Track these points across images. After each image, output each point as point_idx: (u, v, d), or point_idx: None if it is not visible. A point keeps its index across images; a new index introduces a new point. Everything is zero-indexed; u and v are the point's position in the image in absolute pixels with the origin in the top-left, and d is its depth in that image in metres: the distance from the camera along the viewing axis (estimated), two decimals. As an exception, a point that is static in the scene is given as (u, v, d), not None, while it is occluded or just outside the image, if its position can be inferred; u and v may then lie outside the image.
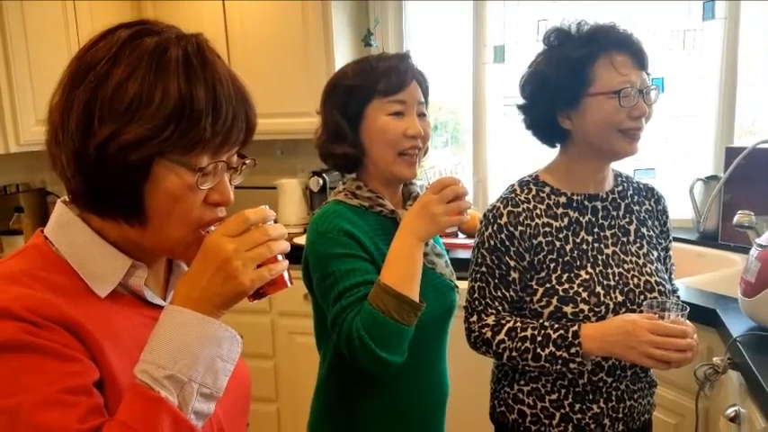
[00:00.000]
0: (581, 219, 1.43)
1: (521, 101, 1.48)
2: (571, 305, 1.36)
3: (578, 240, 1.41)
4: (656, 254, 1.47)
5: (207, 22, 2.95)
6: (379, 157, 1.36)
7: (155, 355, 0.72)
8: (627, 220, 1.47)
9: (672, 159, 2.76)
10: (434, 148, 3.04)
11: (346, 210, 1.35)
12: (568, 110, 1.38)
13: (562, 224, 1.42)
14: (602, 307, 1.36)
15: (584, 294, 1.36)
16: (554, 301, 1.37)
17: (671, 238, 1.55)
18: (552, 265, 1.39)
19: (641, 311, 1.32)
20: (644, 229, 1.47)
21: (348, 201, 1.37)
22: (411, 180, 1.43)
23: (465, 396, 1.82)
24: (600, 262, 1.40)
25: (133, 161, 0.73)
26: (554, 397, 1.41)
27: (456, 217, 1.30)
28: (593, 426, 1.40)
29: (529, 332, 1.35)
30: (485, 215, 1.45)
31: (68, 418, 0.67)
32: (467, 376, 1.85)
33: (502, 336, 1.38)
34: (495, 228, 1.41)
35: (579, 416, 1.40)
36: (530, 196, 1.43)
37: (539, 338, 1.34)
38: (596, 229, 1.44)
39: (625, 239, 1.45)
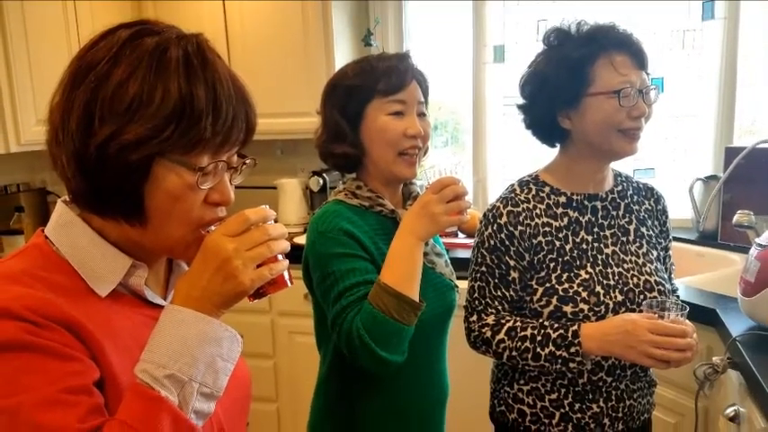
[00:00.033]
0: (581, 218, 1.43)
1: (520, 101, 1.48)
2: (571, 305, 1.36)
3: (578, 240, 1.41)
4: (655, 253, 1.47)
5: (207, 22, 2.95)
6: (379, 156, 1.36)
7: (155, 355, 0.72)
8: (626, 219, 1.47)
9: (671, 159, 2.76)
10: (434, 147, 3.04)
11: (346, 209, 1.35)
12: (568, 110, 1.38)
13: (562, 224, 1.42)
14: (602, 306, 1.36)
15: (584, 294, 1.36)
16: (554, 300, 1.37)
17: (670, 237, 1.55)
18: (552, 265, 1.39)
19: (641, 311, 1.32)
20: (644, 229, 1.48)
21: (348, 200, 1.38)
22: (411, 180, 1.43)
23: (465, 395, 1.82)
24: (600, 261, 1.41)
25: (133, 161, 0.74)
26: (554, 396, 1.41)
27: (456, 217, 1.30)
28: (592, 425, 1.40)
29: (529, 332, 1.36)
30: (485, 215, 1.45)
31: (69, 417, 0.67)
32: (467, 376, 1.86)
33: (502, 335, 1.38)
34: (494, 227, 1.41)
35: (579, 415, 1.40)
36: (529, 196, 1.44)
37: (538, 338, 1.34)
38: (596, 229, 1.44)
39: (625, 239, 1.45)
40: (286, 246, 0.79)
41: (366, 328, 1.21)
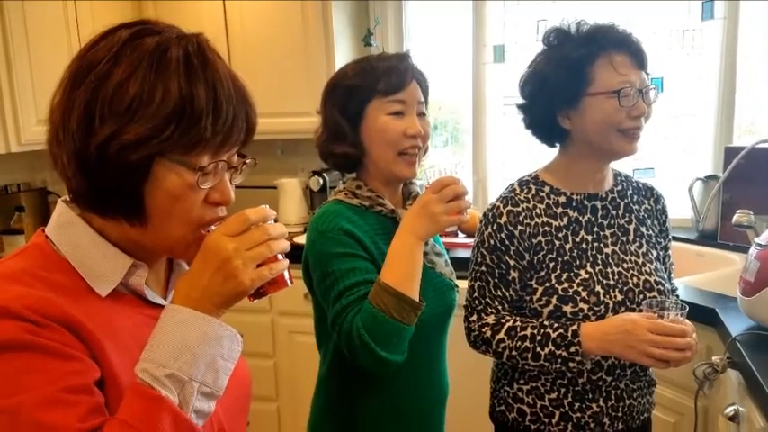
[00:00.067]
0: (580, 218, 1.44)
1: (520, 100, 1.48)
2: (570, 304, 1.36)
3: (578, 240, 1.42)
4: (655, 253, 1.48)
5: (207, 21, 2.96)
6: (379, 156, 1.36)
7: (155, 354, 0.72)
8: (626, 219, 1.47)
9: (671, 159, 2.76)
10: (434, 147, 3.04)
11: (346, 209, 1.35)
12: (568, 109, 1.38)
13: (562, 223, 1.42)
14: (602, 306, 1.36)
15: (584, 293, 1.36)
16: (553, 300, 1.37)
17: (670, 237, 1.55)
18: (552, 265, 1.39)
19: (640, 310, 1.33)
20: (643, 229, 1.48)
21: (348, 200, 1.38)
22: (411, 179, 1.43)
23: (465, 395, 1.82)
24: (599, 261, 1.41)
25: (134, 161, 0.74)
26: (553, 396, 1.41)
27: (456, 216, 1.30)
28: (592, 424, 1.40)
29: (528, 331, 1.36)
30: (484, 214, 1.45)
31: (69, 417, 0.67)
32: (466, 375, 1.86)
33: (501, 335, 1.39)
34: (494, 227, 1.41)
35: (579, 414, 1.40)
36: (529, 196, 1.44)
37: (538, 337, 1.34)
38: (596, 229, 1.44)
39: (624, 239, 1.45)
40: (286, 245, 0.79)
41: (366, 327, 1.21)
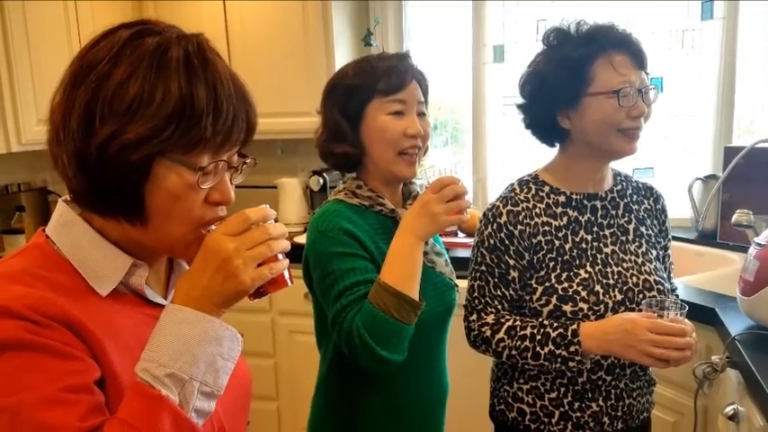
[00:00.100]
0: (580, 218, 1.44)
1: (520, 100, 1.48)
2: (570, 304, 1.36)
3: (577, 239, 1.42)
4: (654, 253, 1.48)
5: (207, 21, 2.96)
6: (379, 156, 1.36)
7: (155, 354, 0.72)
8: (626, 219, 1.47)
9: (671, 159, 2.76)
10: (434, 147, 3.04)
11: (346, 209, 1.35)
12: (567, 109, 1.39)
13: (561, 223, 1.42)
14: (602, 306, 1.36)
15: (584, 293, 1.37)
16: (553, 299, 1.37)
17: (670, 237, 1.55)
18: (551, 264, 1.39)
19: (640, 310, 1.33)
20: (643, 228, 1.48)
21: (348, 200, 1.38)
22: (411, 179, 1.44)
23: (465, 394, 1.83)
24: (599, 261, 1.41)
25: (134, 160, 0.74)
26: (553, 395, 1.41)
27: (456, 216, 1.30)
28: (592, 424, 1.40)
29: (528, 331, 1.36)
30: (484, 214, 1.45)
31: (69, 416, 0.67)
32: (466, 375, 1.86)
33: (501, 334, 1.39)
34: (494, 227, 1.41)
35: (578, 414, 1.40)
36: (529, 195, 1.44)
37: (538, 337, 1.34)
38: (595, 228, 1.44)
39: (624, 238, 1.45)
40: (286, 245, 0.79)
41: (366, 327, 1.21)
